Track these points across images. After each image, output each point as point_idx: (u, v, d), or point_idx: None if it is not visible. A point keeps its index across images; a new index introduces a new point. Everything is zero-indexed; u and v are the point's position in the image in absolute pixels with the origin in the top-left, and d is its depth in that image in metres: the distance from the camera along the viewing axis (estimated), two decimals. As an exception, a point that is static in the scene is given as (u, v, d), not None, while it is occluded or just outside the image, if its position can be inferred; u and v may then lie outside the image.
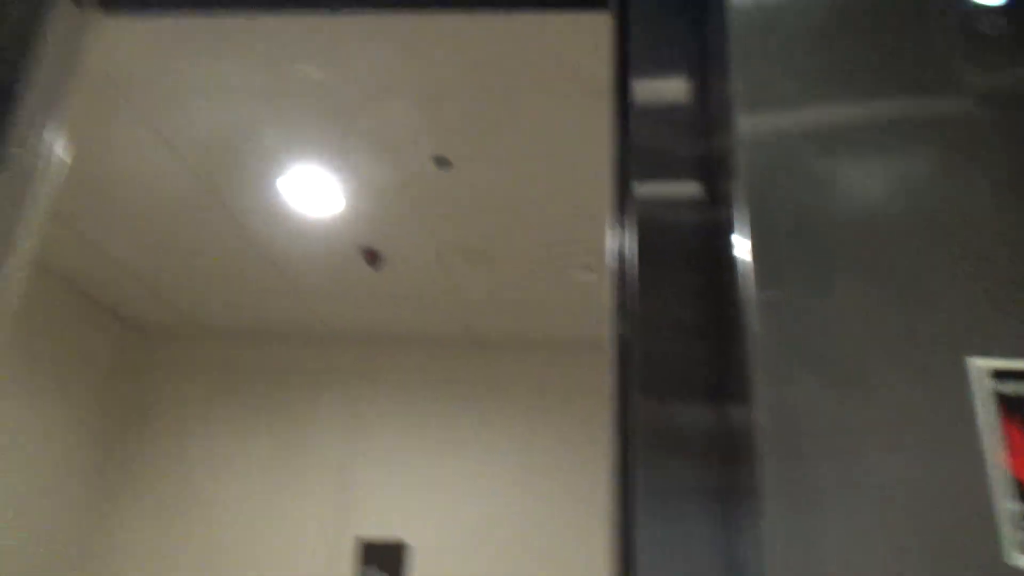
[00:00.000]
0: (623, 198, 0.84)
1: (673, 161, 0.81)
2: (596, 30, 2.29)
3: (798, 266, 0.64)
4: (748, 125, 0.68)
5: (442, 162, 2.97)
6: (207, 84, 2.64)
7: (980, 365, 0.60)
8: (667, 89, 0.84)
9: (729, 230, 0.69)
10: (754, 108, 0.68)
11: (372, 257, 3.76)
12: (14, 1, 1.03)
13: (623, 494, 0.72)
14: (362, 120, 2.77)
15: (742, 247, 0.66)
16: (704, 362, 0.73)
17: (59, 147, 1.03)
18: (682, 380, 0.73)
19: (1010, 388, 0.59)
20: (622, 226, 0.82)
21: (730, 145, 0.70)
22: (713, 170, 0.80)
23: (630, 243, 0.79)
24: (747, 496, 0.63)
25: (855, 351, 0.62)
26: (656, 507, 0.69)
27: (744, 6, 0.72)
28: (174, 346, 4.86)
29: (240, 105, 2.74)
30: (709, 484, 0.69)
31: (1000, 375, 0.59)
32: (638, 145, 0.82)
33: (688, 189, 0.80)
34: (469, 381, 4.67)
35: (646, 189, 0.80)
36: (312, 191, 3.25)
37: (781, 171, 0.66)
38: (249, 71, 2.57)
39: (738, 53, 0.70)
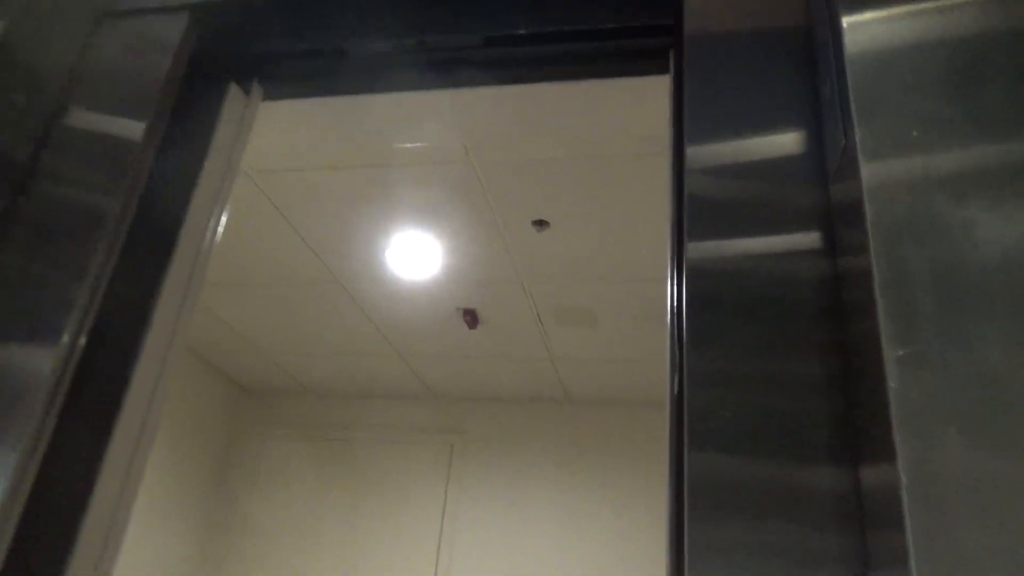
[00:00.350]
0: (679, 254, 0.83)
1: (773, 212, 0.80)
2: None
3: (936, 318, 0.61)
4: (874, 174, 0.66)
5: (540, 224, 3.01)
6: (318, 159, 2.80)
7: None
8: (751, 145, 0.84)
9: (858, 282, 0.67)
10: (880, 157, 0.67)
11: (471, 318, 3.82)
12: (198, 92, 1.11)
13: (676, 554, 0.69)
14: (462, 185, 2.86)
15: (873, 299, 0.63)
16: (823, 420, 0.70)
17: (221, 229, 1.11)
18: (797, 439, 0.70)
19: None
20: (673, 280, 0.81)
21: (853, 195, 0.69)
22: (824, 221, 0.78)
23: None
24: (889, 562, 0.60)
25: (1002, 406, 0.58)
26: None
27: (863, 55, 0.72)
28: (283, 407, 5.04)
29: (348, 177, 2.88)
30: (837, 550, 0.66)
31: None
32: (699, 197, 0.81)
33: (790, 241, 0.79)
34: (567, 440, 4.62)
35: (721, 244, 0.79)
36: (413, 255, 3.35)
37: (913, 220, 0.64)
38: (356, 145, 2.71)
39: (860, 101, 0.69)
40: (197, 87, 1.12)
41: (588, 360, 4.18)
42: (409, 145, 2.67)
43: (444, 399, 4.88)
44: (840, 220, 0.74)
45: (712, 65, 0.89)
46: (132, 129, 1.00)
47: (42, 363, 0.86)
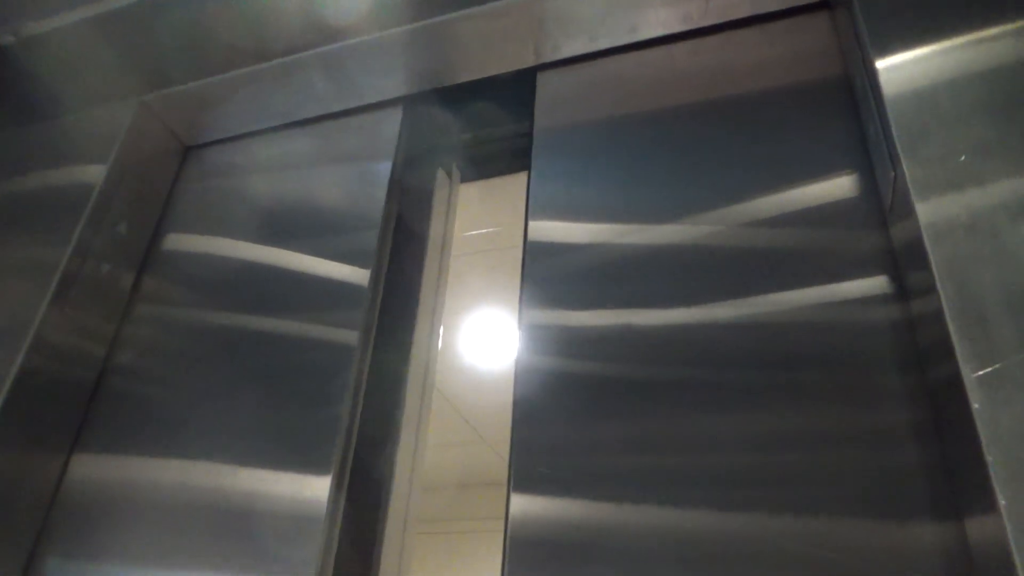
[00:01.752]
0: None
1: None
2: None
3: (1012, 335, 0.61)
4: (931, 210, 0.68)
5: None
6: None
7: None
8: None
9: (933, 319, 0.68)
10: (932, 192, 0.68)
11: (552, 398, 3.80)
12: (414, 175, 1.13)
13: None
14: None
15: (949, 332, 0.63)
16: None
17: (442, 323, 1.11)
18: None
19: None
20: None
21: (911, 231, 0.70)
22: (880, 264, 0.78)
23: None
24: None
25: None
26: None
27: (900, 94, 0.74)
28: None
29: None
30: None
31: None
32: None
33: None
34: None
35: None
36: (490, 342, 3.40)
37: (976, 248, 0.65)
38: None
39: (903, 135, 0.71)
40: (411, 177, 1.14)
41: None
42: (473, 232, 2.76)
43: (534, 484, 4.82)
44: (903, 256, 0.75)
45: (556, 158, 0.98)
46: (366, 236, 1.00)
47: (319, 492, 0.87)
